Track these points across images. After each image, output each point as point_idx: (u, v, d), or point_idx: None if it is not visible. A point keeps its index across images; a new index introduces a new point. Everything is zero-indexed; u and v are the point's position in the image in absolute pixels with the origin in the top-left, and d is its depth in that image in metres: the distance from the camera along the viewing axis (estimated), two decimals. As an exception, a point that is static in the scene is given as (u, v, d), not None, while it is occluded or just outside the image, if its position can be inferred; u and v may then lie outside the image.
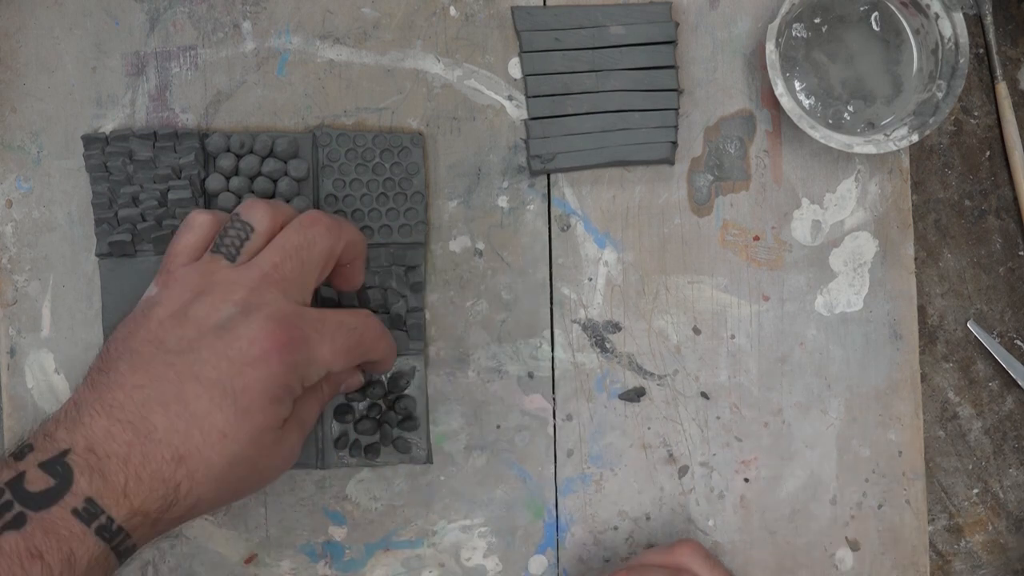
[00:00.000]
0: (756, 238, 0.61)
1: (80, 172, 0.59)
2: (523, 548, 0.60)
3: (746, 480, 0.61)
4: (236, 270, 0.48)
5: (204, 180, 0.58)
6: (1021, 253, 0.64)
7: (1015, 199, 0.63)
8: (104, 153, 0.58)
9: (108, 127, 0.59)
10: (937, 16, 0.58)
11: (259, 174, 0.58)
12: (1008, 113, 0.62)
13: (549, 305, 0.61)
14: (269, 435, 0.46)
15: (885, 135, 0.58)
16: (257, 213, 0.50)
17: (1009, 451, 0.64)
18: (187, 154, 0.57)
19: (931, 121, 0.57)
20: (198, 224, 0.51)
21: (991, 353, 0.62)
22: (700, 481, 0.61)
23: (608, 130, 0.59)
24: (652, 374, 0.61)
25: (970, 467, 0.63)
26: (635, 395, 0.59)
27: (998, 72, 0.63)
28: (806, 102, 0.60)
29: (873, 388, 0.61)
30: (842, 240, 0.61)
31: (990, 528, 0.63)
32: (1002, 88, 0.63)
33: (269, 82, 0.60)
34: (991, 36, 0.63)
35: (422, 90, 0.60)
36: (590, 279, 0.61)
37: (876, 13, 0.60)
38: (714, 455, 0.61)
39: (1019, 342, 0.63)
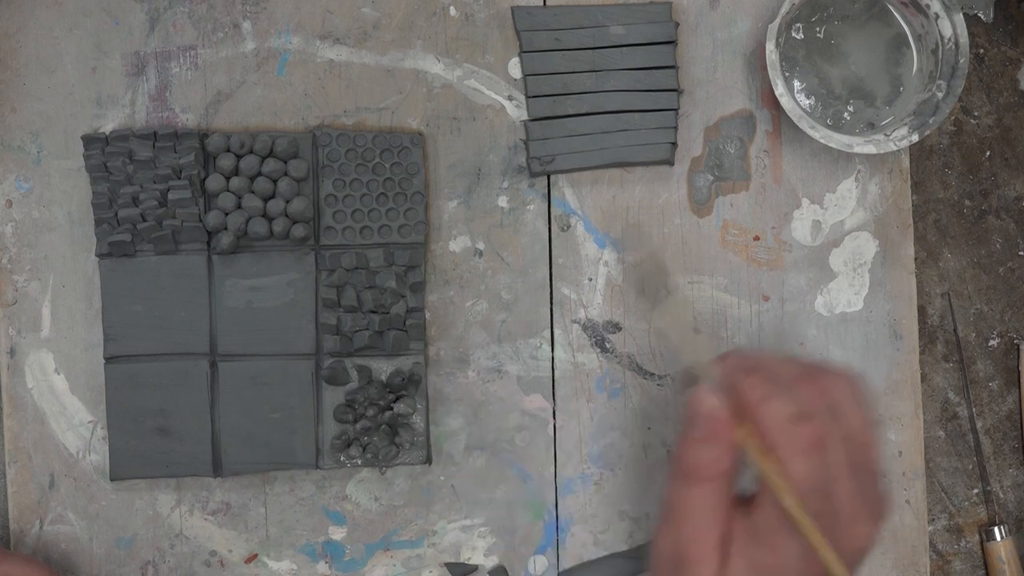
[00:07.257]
0: (756, 238, 0.61)
1: (80, 172, 0.59)
2: (523, 548, 0.60)
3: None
4: None
5: (204, 180, 0.58)
6: (1021, 253, 0.64)
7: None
8: (104, 153, 0.58)
9: (108, 127, 0.59)
10: (937, 16, 0.58)
11: (259, 174, 0.58)
12: None
13: (549, 305, 0.61)
14: None
15: (885, 135, 0.58)
16: None
17: (1009, 451, 0.64)
18: (187, 154, 0.57)
19: (931, 121, 0.57)
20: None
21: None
22: (700, 481, 0.60)
23: (608, 131, 0.59)
24: (652, 374, 0.61)
25: (970, 467, 0.63)
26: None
27: None
28: (806, 102, 0.60)
29: (873, 388, 0.61)
30: (842, 240, 0.61)
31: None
32: None
33: (269, 82, 0.60)
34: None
35: (422, 90, 0.60)
36: (590, 279, 0.61)
37: (876, 13, 0.60)
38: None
39: (1019, 342, 0.63)
